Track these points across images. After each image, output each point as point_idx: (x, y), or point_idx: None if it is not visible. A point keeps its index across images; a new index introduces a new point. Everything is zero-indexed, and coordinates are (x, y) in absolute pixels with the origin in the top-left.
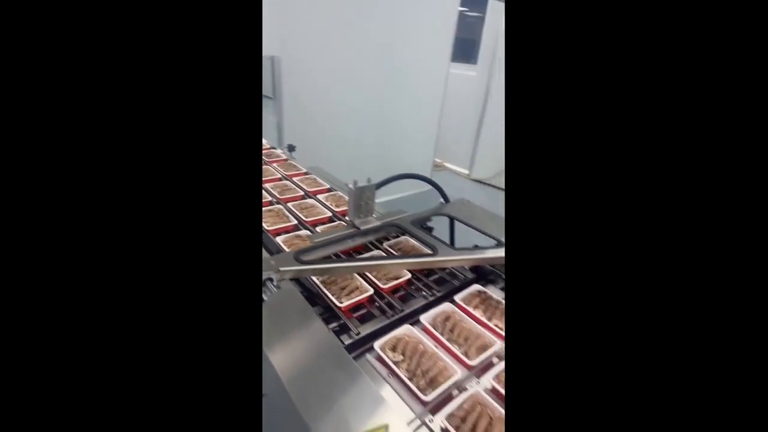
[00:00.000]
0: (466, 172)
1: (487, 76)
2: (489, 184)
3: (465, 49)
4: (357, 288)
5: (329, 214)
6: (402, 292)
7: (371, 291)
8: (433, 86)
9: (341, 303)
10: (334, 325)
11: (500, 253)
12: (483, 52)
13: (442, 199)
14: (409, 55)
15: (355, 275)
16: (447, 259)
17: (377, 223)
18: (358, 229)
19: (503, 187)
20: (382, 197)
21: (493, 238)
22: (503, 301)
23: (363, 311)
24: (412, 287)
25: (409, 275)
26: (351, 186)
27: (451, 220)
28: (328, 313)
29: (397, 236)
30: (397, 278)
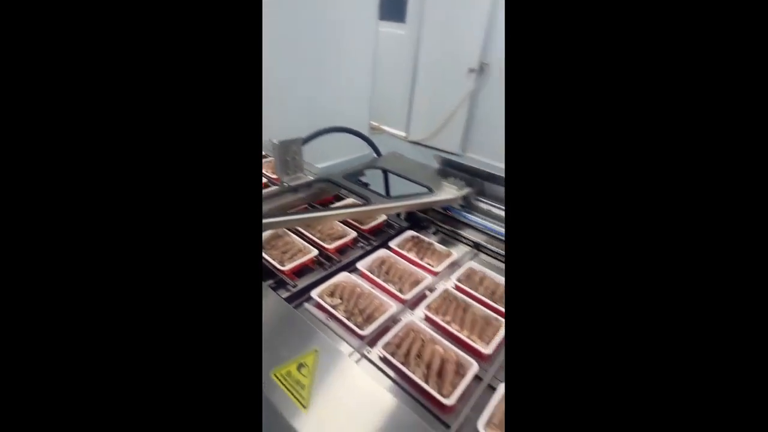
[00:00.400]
0: (404, 134)
1: (416, 34)
2: (426, 146)
3: (393, 7)
4: (300, 251)
5: (264, 180)
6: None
7: (315, 252)
8: (363, 45)
9: (284, 266)
10: (270, 281)
11: (432, 198)
12: (411, 9)
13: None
14: (337, 13)
15: (296, 237)
16: (380, 207)
17: (308, 179)
18: (288, 185)
19: (439, 147)
20: (321, 162)
21: (425, 186)
22: (434, 243)
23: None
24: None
25: (354, 233)
26: (275, 141)
27: (385, 173)
28: (265, 273)
29: (341, 198)
30: (341, 237)
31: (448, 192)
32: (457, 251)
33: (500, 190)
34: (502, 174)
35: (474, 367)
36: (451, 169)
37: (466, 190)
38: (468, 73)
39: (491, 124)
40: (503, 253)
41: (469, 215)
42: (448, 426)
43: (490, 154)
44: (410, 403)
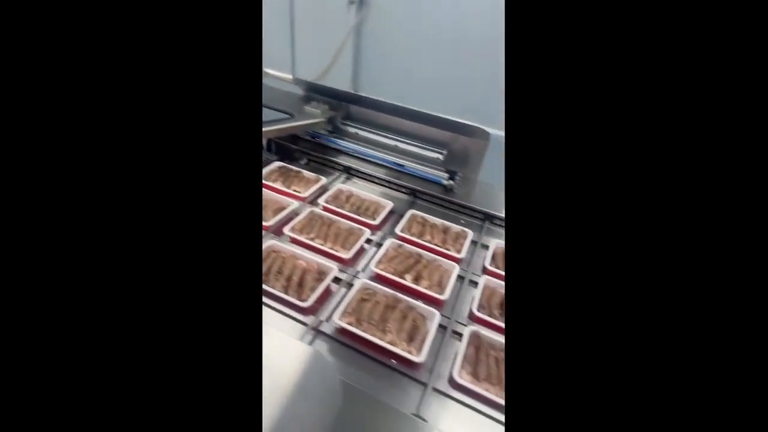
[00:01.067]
0: (289, 76)
1: None
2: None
3: None
4: None
5: None
6: None
7: None
8: None
9: None
10: None
11: (292, 123)
12: None
13: None
14: None
15: None
16: None
17: None
18: None
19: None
20: None
21: (285, 112)
22: (302, 171)
23: None
24: None
25: None
26: None
27: None
28: None
29: None
30: None
31: (311, 116)
32: (330, 177)
33: (366, 113)
34: (365, 95)
35: (334, 271)
36: (313, 93)
37: (329, 114)
38: (348, 6)
39: (380, 61)
40: (372, 173)
41: (338, 140)
42: (305, 324)
43: (384, 93)
44: (274, 316)
